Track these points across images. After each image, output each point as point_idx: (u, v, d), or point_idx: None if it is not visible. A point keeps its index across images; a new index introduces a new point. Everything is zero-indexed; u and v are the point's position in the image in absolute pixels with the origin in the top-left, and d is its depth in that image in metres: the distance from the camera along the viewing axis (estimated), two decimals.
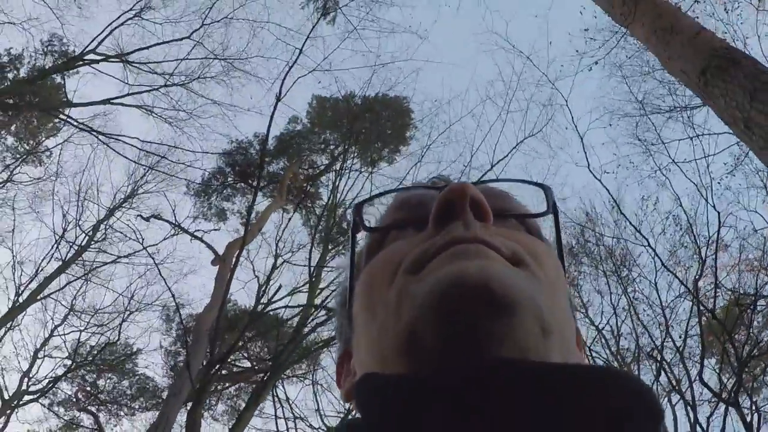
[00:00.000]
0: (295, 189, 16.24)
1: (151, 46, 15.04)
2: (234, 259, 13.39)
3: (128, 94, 15.23)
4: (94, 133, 15.43)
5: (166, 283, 12.14)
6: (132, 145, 15.58)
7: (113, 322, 17.14)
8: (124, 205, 16.53)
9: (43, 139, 17.21)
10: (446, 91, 32.73)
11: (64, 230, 15.89)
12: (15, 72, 18.00)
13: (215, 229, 15.53)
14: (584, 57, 11.39)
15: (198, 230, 15.66)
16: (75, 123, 15.46)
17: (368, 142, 16.20)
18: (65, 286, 16.31)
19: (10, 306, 15.11)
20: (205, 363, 11.17)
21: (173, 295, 11.60)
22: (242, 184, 16.61)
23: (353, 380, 0.68)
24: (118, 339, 17.47)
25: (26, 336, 15.68)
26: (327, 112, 16.93)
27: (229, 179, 16.72)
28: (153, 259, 13.38)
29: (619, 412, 0.48)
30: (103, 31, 14.98)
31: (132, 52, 14.99)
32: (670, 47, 6.18)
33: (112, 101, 15.21)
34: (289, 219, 14.99)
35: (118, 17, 14.83)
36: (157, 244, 15.23)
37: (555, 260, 0.66)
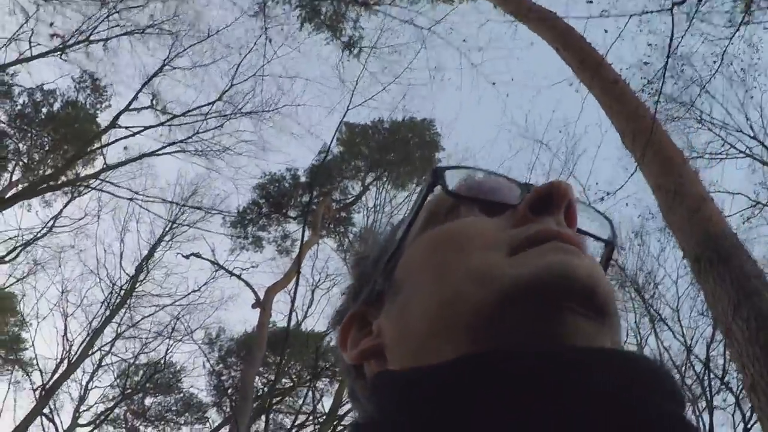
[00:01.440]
0: (329, 219, 16.54)
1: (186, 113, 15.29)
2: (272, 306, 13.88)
3: (162, 148, 15.57)
4: (132, 200, 15.85)
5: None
6: (168, 201, 16.02)
7: (159, 347, 17.81)
8: (163, 243, 16.94)
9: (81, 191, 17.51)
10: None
11: (113, 286, 16.27)
12: (49, 107, 18.44)
13: (253, 266, 15.90)
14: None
15: (236, 267, 16.07)
16: (112, 193, 15.89)
17: (397, 165, 16.45)
18: (115, 339, 16.84)
19: (59, 358, 15.71)
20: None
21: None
22: (276, 214, 16.94)
23: (376, 342, 0.65)
24: (164, 366, 18.14)
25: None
26: (356, 138, 17.12)
27: (264, 210, 17.06)
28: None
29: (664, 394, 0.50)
30: (135, 96, 15.22)
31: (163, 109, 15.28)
32: (672, 212, 6.06)
33: (146, 154, 15.57)
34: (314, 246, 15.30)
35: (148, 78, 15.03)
36: (198, 289, 15.82)
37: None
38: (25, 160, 17.59)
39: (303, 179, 16.83)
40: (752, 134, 14.94)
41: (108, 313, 16.00)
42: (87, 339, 15.98)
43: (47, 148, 17.94)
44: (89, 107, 18.18)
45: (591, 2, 9.28)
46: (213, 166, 15.92)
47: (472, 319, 0.54)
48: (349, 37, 15.05)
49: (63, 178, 15.84)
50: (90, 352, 16.19)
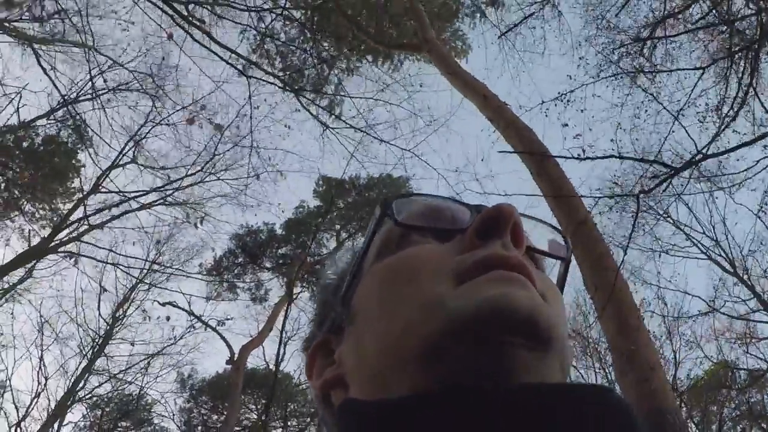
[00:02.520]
0: (305, 272, 16.95)
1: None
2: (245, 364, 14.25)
3: (143, 207, 15.86)
4: (110, 264, 16.14)
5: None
6: (143, 260, 16.34)
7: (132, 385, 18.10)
8: (139, 289, 17.20)
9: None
10: None
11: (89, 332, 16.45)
12: (30, 140, 18.54)
13: (228, 319, 16.25)
14: None
15: (211, 318, 16.43)
16: (93, 257, 16.14)
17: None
18: (93, 389, 17.08)
19: (34, 393, 15.93)
20: None
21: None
22: (252, 264, 17.32)
23: (337, 372, 0.66)
24: (137, 402, 18.45)
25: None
26: (332, 191, 17.53)
27: (240, 260, 17.42)
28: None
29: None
30: (120, 154, 15.49)
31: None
32: (623, 377, 6.12)
33: (129, 211, 15.86)
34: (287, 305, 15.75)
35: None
36: (175, 342, 16.16)
37: (561, 297, 0.67)
38: (5, 197, 17.74)
39: (279, 232, 17.24)
40: (714, 237, 15.69)
41: (85, 362, 16.23)
42: (65, 389, 16.22)
43: (26, 184, 18.03)
44: (71, 145, 18.29)
45: (566, 125, 9.86)
46: (191, 218, 16.21)
47: (421, 351, 0.55)
48: (330, 101, 15.48)
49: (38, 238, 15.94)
50: (68, 402, 16.40)
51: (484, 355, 0.53)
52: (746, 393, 16.42)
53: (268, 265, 17.37)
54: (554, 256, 0.72)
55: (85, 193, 15.67)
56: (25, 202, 17.93)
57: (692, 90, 9.57)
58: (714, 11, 10.22)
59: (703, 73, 9.53)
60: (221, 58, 12.42)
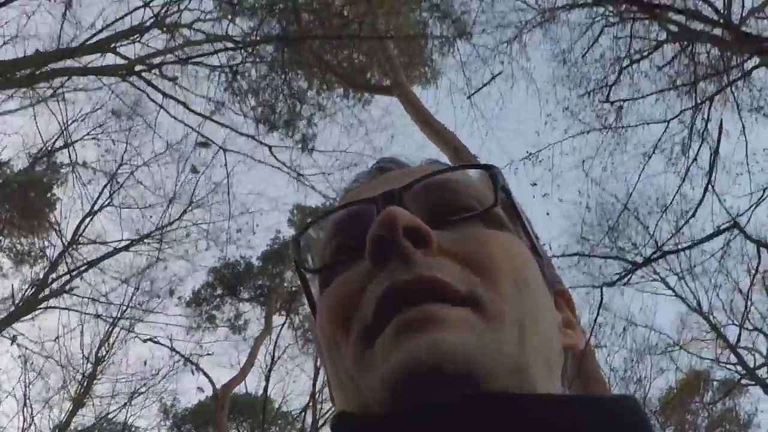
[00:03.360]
0: (283, 302, 17.15)
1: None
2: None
3: (123, 248, 15.94)
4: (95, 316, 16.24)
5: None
6: (115, 304, 16.46)
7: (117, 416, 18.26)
8: (120, 329, 17.29)
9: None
10: None
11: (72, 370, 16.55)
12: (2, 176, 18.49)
13: (209, 354, 16.42)
14: None
15: (193, 354, 16.60)
16: (78, 310, 16.21)
17: None
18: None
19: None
20: None
21: None
22: (230, 297, 17.48)
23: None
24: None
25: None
26: (306, 220, 17.66)
27: (218, 292, 17.56)
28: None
29: None
30: (96, 200, 15.54)
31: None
32: None
33: (109, 254, 15.93)
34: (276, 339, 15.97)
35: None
36: (157, 376, 16.32)
37: (518, 253, 0.61)
38: None
39: (256, 264, 17.40)
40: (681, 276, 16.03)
41: (71, 406, 16.31)
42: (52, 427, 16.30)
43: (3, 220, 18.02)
44: (45, 180, 18.27)
45: (535, 184, 10.13)
46: (169, 255, 16.33)
47: (361, 407, 0.54)
48: (303, 135, 15.62)
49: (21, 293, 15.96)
50: None
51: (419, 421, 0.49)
52: (720, 403, 16.92)
53: (246, 296, 17.52)
54: (475, 214, 0.62)
55: (65, 243, 15.62)
56: (3, 239, 17.97)
57: (657, 141, 9.92)
58: (678, 58, 10.51)
59: (668, 125, 9.85)
60: (194, 129, 12.64)
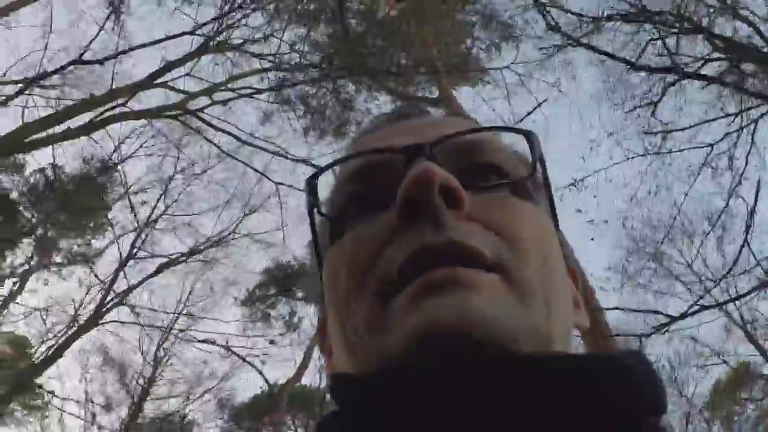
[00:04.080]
0: None
1: None
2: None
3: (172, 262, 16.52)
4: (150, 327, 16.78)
5: None
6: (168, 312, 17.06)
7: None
8: (179, 326, 17.95)
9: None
10: None
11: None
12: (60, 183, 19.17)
13: (266, 354, 16.98)
14: None
15: (249, 353, 17.20)
16: (139, 324, 16.82)
17: None
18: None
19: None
20: None
21: None
22: (283, 296, 18.00)
23: (331, 366, 0.64)
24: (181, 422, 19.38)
25: None
26: None
27: (272, 291, 18.09)
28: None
29: (618, 407, 0.46)
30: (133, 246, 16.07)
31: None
32: None
33: (160, 269, 16.55)
34: None
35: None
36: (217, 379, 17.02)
37: (544, 227, 0.59)
38: (38, 236, 18.38)
39: (307, 266, 17.80)
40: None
41: (133, 406, 17.04)
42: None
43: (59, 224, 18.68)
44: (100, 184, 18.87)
45: (580, 211, 10.33)
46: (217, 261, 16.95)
47: (372, 371, 0.52)
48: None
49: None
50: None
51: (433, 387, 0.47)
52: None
53: (300, 295, 18.00)
54: (513, 182, 0.61)
55: (122, 259, 16.23)
56: (61, 241, 18.63)
57: (703, 163, 10.05)
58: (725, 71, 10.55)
59: (712, 150, 9.96)
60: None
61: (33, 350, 17.48)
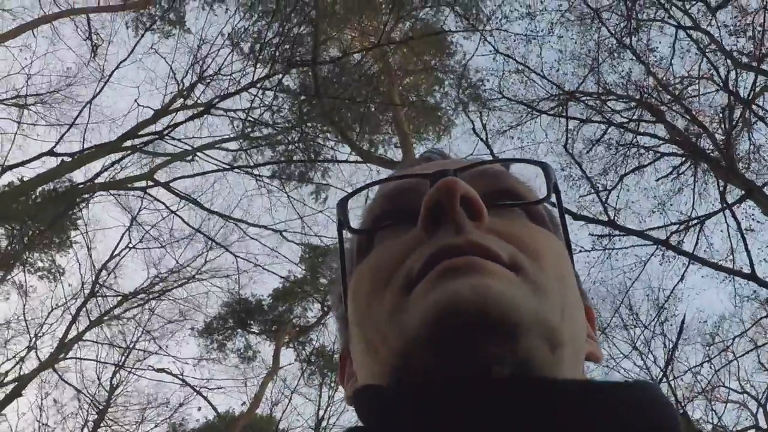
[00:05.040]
0: (291, 339, 17.96)
1: None
2: None
3: (140, 292, 16.76)
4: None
5: None
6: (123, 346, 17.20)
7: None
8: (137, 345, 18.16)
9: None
10: None
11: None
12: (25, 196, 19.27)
13: (220, 388, 17.29)
14: None
15: (202, 386, 17.48)
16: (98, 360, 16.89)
17: None
18: None
19: None
20: None
21: None
22: (240, 329, 18.33)
23: (354, 385, 0.65)
24: None
25: None
26: (318, 258, 18.38)
27: (229, 324, 18.40)
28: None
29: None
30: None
31: None
32: None
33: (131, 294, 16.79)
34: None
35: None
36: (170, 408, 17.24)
37: (560, 251, 0.61)
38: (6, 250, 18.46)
39: (267, 302, 18.19)
40: None
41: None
42: None
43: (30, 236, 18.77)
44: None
45: None
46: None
47: (389, 372, 0.53)
48: (316, 187, 16.33)
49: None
50: None
51: (448, 365, 0.49)
52: None
53: (255, 329, 18.34)
54: (529, 203, 0.64)
55: (85, 295, 16.42)
56: (26, 255, 18.69)
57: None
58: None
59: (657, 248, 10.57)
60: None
61: None
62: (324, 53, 15.13)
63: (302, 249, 18.39)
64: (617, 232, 9.97)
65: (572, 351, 0.54)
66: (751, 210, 10.78)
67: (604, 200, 11.08)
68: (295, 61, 14.51)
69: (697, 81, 11.32)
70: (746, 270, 8.51)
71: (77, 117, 12.56)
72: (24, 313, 17.03)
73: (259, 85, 13.67)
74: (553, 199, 0.66)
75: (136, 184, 14.35)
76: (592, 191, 11.04)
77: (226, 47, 14.78)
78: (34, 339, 16.78)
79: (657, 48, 11.83)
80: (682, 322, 9.16)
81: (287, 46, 14.68)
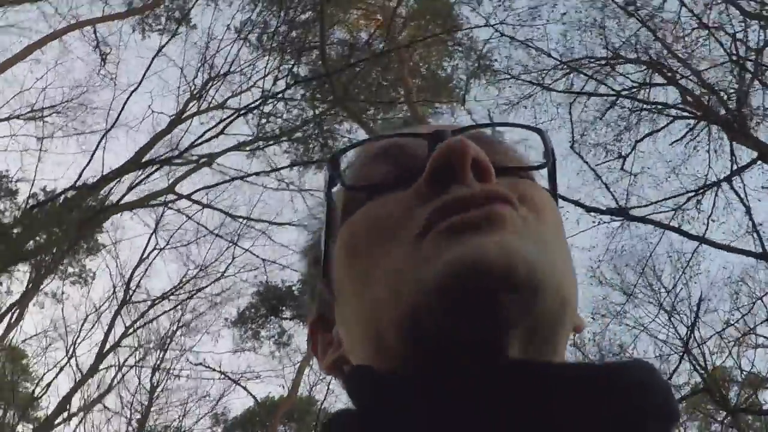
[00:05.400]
0: None
1: None
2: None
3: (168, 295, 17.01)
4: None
5: None
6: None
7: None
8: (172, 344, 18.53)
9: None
10: None
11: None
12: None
13: (258, 377, 17.58)
14: None
15: (238, 375, 17.82)
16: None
17: None
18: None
19: None
20: None
21: None
22: (272, 316, 18.56)
23: (338, 353, 0.63)
24: None
25: None
26: None
27: (261, 312, 18.65)
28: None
29: (633, 414, 0.46)
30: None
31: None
32: None
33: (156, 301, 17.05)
34: None
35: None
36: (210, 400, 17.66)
37: (555, 209, 0.61)
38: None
39: (296, 287, 18.35)
40: None
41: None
42: None
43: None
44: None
45: None
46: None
47: (394, 334, 0.51)
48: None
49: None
50: None
51: (464, 325, 0.48)
52: None
53: (288, 315, 18.56)
54: (532, 168, 0.64)
55: (118, 300, 16.72)
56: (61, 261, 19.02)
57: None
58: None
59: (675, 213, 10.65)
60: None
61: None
62: (331, 36, 15.20)
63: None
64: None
65: (572, 309, 0.55)
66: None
67: (620, 167, 11.10)
68: (304, 46, 14.58)
69: (707, 35, 11.21)
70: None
71: (101, 140, 12.54)
72: (63, 319, 17.43)
73: (271, 76, 13.78)
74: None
75: (159, 199, 14.61)
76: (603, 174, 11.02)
77: (235, 42, 14.87)
78: (72, 347, 17.21)
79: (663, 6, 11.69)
80: (700, 299, 9.21)
81: (294, 34, 14.74)
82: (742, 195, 10.16)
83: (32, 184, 13.01)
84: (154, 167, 13.48)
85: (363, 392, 0.53)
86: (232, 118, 13.86)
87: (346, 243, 0.59)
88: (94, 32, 14.80)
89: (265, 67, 13.85)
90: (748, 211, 8.67)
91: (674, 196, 10.85)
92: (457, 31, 15.15)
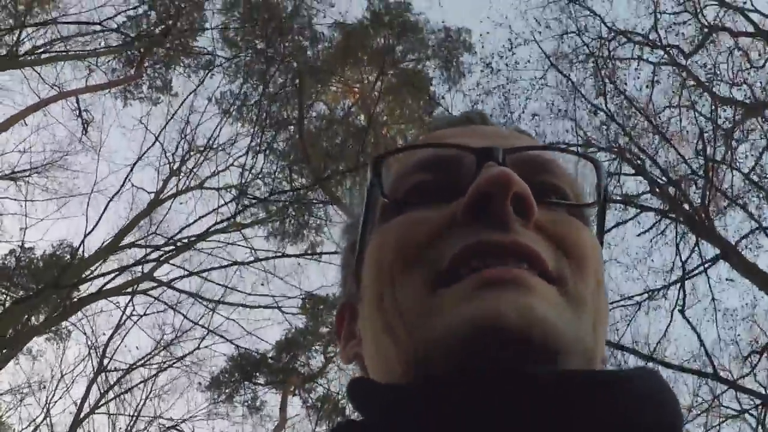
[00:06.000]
0: (297, 389, 18.28)
1: None
2: None
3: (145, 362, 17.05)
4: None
5: None
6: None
7: None
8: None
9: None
10: None
11: None
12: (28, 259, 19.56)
13: None
14: None
15: None
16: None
17: None
18: None
19: None
20: None
21: None
22: (246, 381, 18.65)
23: (357, 350, 0.65)
24: None
25: None
26: (319, 305, 18.66)
27: (236, 376, 18.71)
28: None
29: (643, 423, 0.46)
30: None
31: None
32: None
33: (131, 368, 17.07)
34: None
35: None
36: None
37: (599, 252, 0.60)
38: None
39: (270, 354, 18.49)
40: None
41: None
42: None
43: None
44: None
45: None
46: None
47: (401, 367, 0.52)
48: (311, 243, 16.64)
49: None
50: None
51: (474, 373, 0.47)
52: None
53: (261, 381, 18.64)
54: (582, 205, 0.62)
55: (94, 370, 16.75)
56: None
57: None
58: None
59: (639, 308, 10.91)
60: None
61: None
62: (310, 110, 15.47)
63: (302, 298, 18.66)
64: None
65: (599, 361, 0.55)
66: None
67: None
68: (283, 121, 14.83)
69: (678, 112, 11.53)
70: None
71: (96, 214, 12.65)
72: (50, 372, 17.28)
73: (250, 150, 14.01)
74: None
75: (140, 287, 14.68)
76: None
77: (215, 115, 15.11)
78: (46, 406, 17.12)
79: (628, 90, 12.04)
80: None
81: (273, 108, 15.00)
82: (706, 289, 10.46)
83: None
84: (133, 261, 13.61)
85: (367, 403, 0.53)
86: (208, 211, 14.03)
87: (374, 256, 0.59)
88: (77, 101, 14.97)
89: (248, 145, 14.03)
90: (699, 338, 8.91)
91: (636, 295, 11.14)
92: (431, 112, 15.46)
